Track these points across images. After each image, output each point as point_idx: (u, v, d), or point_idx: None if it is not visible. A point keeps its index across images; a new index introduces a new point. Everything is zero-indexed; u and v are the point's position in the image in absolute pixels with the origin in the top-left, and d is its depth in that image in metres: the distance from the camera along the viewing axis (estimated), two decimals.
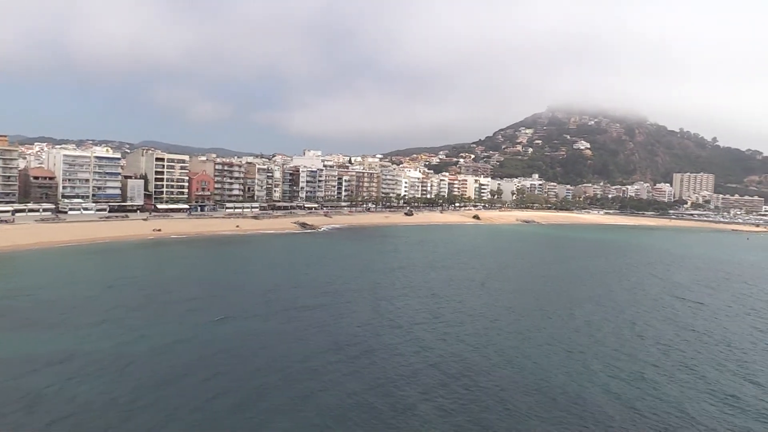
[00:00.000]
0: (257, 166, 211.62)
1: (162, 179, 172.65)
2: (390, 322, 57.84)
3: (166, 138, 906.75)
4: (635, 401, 38.13)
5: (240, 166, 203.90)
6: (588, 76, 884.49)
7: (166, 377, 40.05)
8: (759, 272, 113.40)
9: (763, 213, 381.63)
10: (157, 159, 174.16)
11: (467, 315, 62.46)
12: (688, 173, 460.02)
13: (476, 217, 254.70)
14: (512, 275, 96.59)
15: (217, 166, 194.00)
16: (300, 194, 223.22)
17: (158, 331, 51.66)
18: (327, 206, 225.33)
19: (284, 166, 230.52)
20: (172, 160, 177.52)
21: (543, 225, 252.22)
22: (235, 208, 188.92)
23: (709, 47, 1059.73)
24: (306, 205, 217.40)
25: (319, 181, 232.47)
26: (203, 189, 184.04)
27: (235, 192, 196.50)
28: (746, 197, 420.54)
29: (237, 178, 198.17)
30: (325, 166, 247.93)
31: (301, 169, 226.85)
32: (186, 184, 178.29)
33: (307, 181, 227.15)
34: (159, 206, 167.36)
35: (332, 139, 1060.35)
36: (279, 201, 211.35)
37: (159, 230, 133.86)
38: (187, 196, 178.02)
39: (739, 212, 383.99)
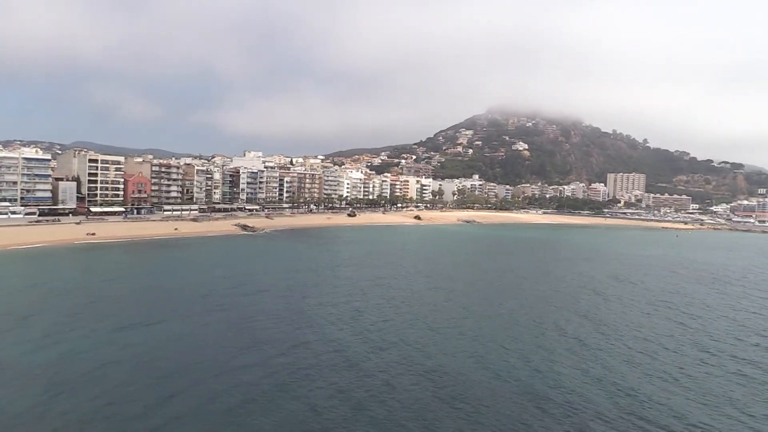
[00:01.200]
0: (196, 167, 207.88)
1: (96, 181, 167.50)
2: (319, 322, 58.36)
3: (99, 139, 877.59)
4: (549, 394, 39.81)
5: (178, 168, 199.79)
6: (526, 78, 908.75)
7: (74, 385, 38.91)
8: (682, 268, 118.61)
9: (690, 211, 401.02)
10: (91, 160, 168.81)
11: (395, 313, 63.67)
12: (621, 173, 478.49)
13: (417, 217, 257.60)
14: (444, 273, 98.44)
15: (154, 168, 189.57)
16: (240, 196, 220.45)
17: (74, 336, 50.23)
18: (268, 208, 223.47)
19: (224, 168, 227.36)
20: (107, 162, 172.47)
21: (483, 225, 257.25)
22: (174, 210, 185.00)
23: (639, 52, 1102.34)
24: (247, 207, 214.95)
25: (260, 182, 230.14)
26: (140, 191, 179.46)
27: (174, 194, 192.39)
28: (675, 196, 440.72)
29: (175, 179, 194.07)
30: (266, 167, 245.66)
31: (241, 171, 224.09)
32: (121, 186, 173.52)
33: (248, 183, 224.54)
34: (93, 209, 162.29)
35: (273, 140, 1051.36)
36: (219, 203, 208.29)
37: (93, 234, 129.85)
38: (122, 198, 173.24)
39: (668, 210, 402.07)
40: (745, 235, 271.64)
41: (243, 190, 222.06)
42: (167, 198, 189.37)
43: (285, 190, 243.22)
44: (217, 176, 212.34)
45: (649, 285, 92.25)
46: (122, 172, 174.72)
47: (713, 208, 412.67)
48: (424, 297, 74.39)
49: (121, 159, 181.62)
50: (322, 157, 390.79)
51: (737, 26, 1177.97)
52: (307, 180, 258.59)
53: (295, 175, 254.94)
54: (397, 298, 72.54)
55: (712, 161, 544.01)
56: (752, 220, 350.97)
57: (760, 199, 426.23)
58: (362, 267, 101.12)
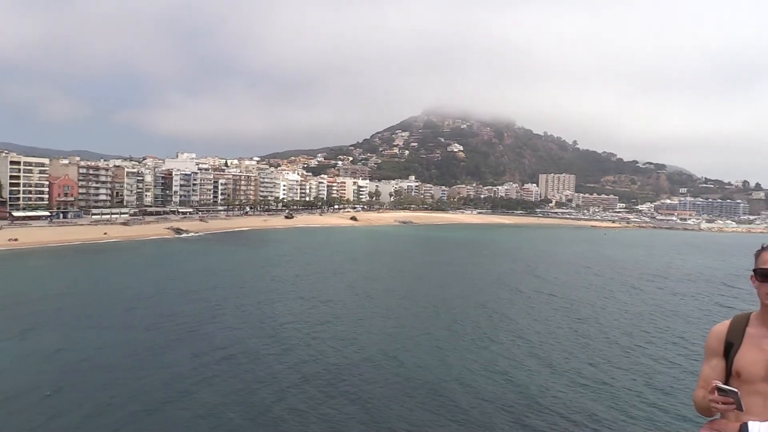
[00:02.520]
0: (126, 169, 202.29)
1: (18, 184, 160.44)
2: (236, 324, 57.75)
3: (21, 140, 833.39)
4: (458, 391, 40.81)
5: (107, 170, 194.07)
6: (459, 81, 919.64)
7: None
8: (603, 265, 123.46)
9: (617, 210, 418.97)
10: (12, 162, 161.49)
11: (315, 313, 64.00)
12: (553, 174, 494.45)
13: (353, 218, 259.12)
14: (373, 273, 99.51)
15: (81, 170, 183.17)
16: (173, 198, 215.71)
17: None
18: (202, 210, 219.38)
19: (156, 170, 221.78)
20: (30, 164, 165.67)
21: (419, 225, 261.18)
22: (103, 214, 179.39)
23: (566, 56, 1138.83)
24: (180, 210, 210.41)
25: (194, 184, 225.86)
26: (66, 194, 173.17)
27: (102, 197, 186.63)
28: (603, 196, 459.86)
29: (104, 182, 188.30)
30: (199, 169, 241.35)
31: (174, 173, 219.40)
32: (46, 189, 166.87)
33: (181, 185, 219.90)
34: (15, 213, 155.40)
35: (206, 141, 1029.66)
36: (151, 206, 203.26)
37: (15, 240, 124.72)
38: (47, 202, 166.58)
39: (597, 210, 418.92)
40: (668, 232, 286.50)
41: (176, 192, 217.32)
42: (96, 201, 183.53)
43: (220, 192, 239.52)
44: (148, 178, 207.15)
45: (569, 282, 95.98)
46: (47, 175, 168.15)
47: (639, 207, 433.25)
48: (346, 297, 75.29)
49: (46, 161, 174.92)
50: (257, 159, 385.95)
51: (654, 33, 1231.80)
52: (243, 182, 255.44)
53: (230, 176, 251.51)
54: (321, 298, 72.97)
55: (637, 162, 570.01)
56: (674, 218, 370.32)
57: (681, 198, 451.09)
58: (292, 268, 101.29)
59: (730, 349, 3.95)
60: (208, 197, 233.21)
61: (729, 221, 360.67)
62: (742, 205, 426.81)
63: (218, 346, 49.77)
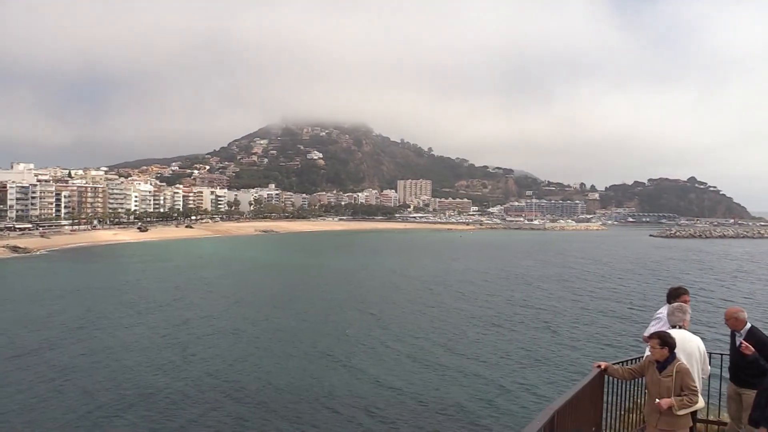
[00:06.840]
0: None
1: None
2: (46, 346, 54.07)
3: None
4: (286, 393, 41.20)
5: None
6: (316, 88, 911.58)
7: None
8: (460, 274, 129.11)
9: (471, 213, 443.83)
10: None
11: (156, 332, 61.85)
12: (410, 180, 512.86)
13: (205, 229, 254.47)
14: (229, 285, 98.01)
15: None
16: (9, 214, 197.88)
17: None
18: (44, 226, 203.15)
19: None
20: None
21: (281, 235, 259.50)
22: None
23: (411, 63, 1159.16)
24: (17, 226, 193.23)
25: (33, 197, 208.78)
26: None
27: None
28: (458, 200, 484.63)
29: None
30: (39, 181, 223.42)
31: (8, 185, 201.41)
32: None
33: (18, 199, 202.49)
34: None
35: (46, 152, 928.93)
36: None
37: None
38: None
39: (453, 213, 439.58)
40: (516, 232, 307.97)
41: (11, 207, 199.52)
42: None
43: (63, 205, 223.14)
44: None
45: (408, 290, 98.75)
46: None
47: (490, 210, 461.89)
48: (194, 315, 70.92)
49: None
50: (105, 169, 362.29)
51: (462, 38, 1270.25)
52: (89, 194, 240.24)
53: (75, 188, 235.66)
54: (169, 317, 68.82)
55: (487, 167, 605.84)
56: (522, 219, 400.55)
57: (528, 200, 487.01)
58: (137, 285, 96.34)
59: None
60: (50, 211, 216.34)
61: (570, 220, 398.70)
62: (580, 205, 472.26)
63: (45, 370, 44.95)
